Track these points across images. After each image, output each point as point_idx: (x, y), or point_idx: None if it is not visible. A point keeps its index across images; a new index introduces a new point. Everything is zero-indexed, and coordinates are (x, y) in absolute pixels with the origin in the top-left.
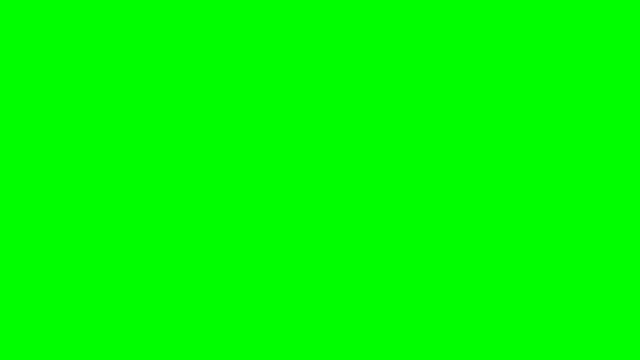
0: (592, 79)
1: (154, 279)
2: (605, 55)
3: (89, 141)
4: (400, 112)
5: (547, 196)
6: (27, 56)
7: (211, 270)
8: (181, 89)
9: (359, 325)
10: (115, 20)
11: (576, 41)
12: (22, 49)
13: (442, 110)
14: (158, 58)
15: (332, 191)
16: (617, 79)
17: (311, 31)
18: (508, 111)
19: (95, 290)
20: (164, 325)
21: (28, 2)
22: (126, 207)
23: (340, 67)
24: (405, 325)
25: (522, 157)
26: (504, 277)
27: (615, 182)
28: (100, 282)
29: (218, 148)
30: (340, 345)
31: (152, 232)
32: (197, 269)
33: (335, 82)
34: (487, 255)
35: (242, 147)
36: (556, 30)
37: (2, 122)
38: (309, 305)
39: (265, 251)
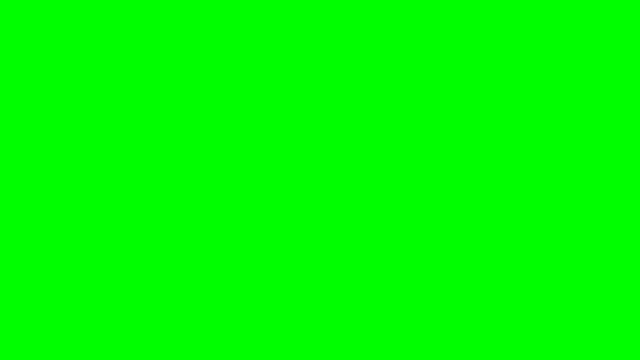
0: (592, 79)
1: (154, 279)
2: (605, 55)
3: (89, 141)
4: (400, 112)
5: (547, 196)
6: (27, 56)
7: (211, 270)
8: (181, 89)
9: (359, 325)
10: (116, 20)
11: (576, 41)
12: (22, 49)
13: (442, 111)
14: (158, 58)
15: (332, 191)
16: (617, 79)
17: (311, 31)
18: (508, 111)
19: (95, 291)
20: (164, 325)
21: (28, 2)
22: (126, 207)
23: (340, 67)
24: (405, 325)
25: (522, 157)
26: (504, 277)
27: (615, 182)
28: (100, 282)
29: (218, 148)
30: (340, 345)
31: (152, 232)
32: (197, 269)
33: (335, 82)
34: (487, 255)
35: (242, 147)
36: (556, 30)
37: (2, 122)
38: (308, 305)
39: (265, 251)
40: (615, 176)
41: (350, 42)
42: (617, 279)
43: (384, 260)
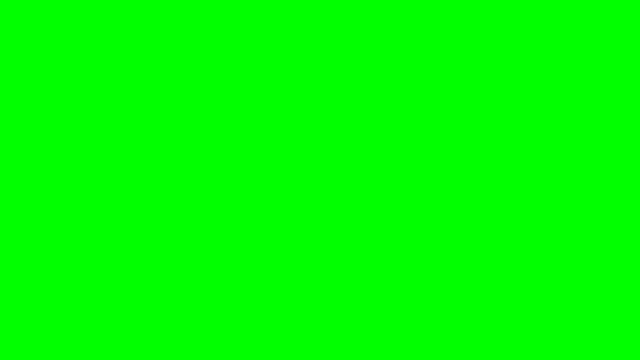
0: (592, 79)
1: (154, 279)
2: (605, 55)
3: (89, 141)
4: (400, 112)
5: (547, 196)
6: (27, 56)
7: (211, 270)
8: (181, 89)
9: (359, 325)
10: (116, 20)
11: (576, 41)
12: (22, 49)
13: (442, 111)
14: (158, 58)
15: (332, 191)
16: (617, 79)
17: (311, 31)
18: (508, 111)
19: (95, 291)
20: (164, 325)
21: (28, 2)
22: (126, 207)
23: (341, 67)
24: (405, 325)
25: (522, 157)
26: (504, 277)
27: (615, 182)
28: (100, 282)
29: (218, 148)
30: (340, 345)
31: (152, 232)
32: (197, 269)
33: (336, 82)
34: (487, 255)
35: (242, 147)
36: (556, 30)
37: (2, 122)
38: (309, 306)
39: (265, 251)
40: (615, 176)
41: (350, 42)
42: (617, 279)
43: (383, 260)
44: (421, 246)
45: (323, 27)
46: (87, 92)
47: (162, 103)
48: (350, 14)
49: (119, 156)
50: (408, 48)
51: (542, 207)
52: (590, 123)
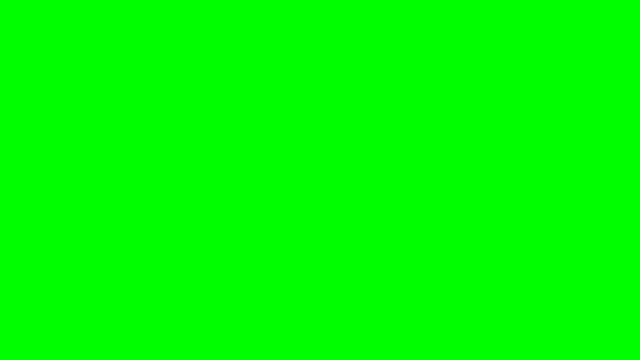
0: (592, 79)
1: (154, 279)
2: (605, 55)
3: (89, 141)
4: (400, 112)
5: (547, 196)
6: (27, 56)
7: (211, 270)
8: (181, 89)
9: (359, 325)
10: (116, 20)
11: (576, 41)
12: (22, 49)
13: (442, 111)
14: (158, 58)
15: (332, 191)
16: (617, 79)
17: (311, 31)
18: (508, 111)
19: (95, 291)
20: (164, 325)
21: (28, 2)
22: (126, 207)
23: (341, 67)
24: (405, 325)
25: (522, 157)
26: (504, 277)
27: (615, 182)
28: (100, 282)
29: (218, 148)
30: (340, 345)
31: (152, 232)
32: (197, 269)
33: (336, 82)
34: (487, 255)
35: (242, 147)
36: (556, 30)
37: (2, 122)
38: (309, 306)
39: (265, 251)
40: (615, 176)
41: (350, 42)
42: (617, 279)
43: (384, 261)
44: (421, 246)
45: (323, 27)
46: (87, 92)
47: (162, 103)
48: (350, 14)
49: (118, 156)
50: (408, 48)
51: (542, 207)
52: (590, 123)
